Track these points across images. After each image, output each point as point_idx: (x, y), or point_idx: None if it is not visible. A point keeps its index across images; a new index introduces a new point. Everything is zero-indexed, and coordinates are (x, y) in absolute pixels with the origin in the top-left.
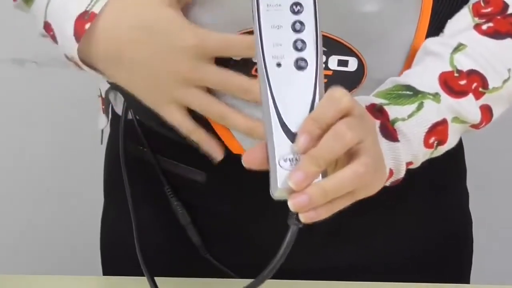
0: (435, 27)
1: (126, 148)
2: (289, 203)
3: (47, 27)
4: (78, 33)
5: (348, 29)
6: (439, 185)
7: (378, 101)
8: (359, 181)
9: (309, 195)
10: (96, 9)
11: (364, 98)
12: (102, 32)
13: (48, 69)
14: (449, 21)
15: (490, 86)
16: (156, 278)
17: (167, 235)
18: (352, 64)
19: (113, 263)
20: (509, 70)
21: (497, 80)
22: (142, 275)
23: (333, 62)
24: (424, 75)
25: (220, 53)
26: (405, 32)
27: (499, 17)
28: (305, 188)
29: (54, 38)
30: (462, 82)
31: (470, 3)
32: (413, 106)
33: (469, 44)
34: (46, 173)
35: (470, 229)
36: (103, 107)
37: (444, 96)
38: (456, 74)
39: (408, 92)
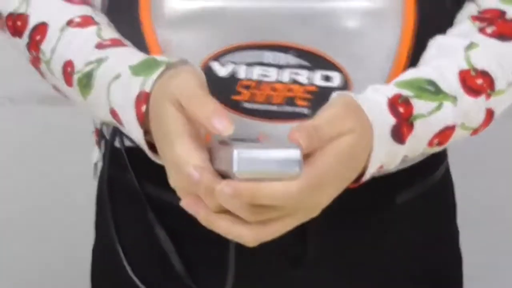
0: (419, 40)
1: (113, 175)
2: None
3: (113, 113)
4: (139, 117)
5: (331, 44)
6: (429, 221)
7: (403, 92)
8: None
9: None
10: (147, 88)
11: (386, 87)
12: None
13: (23, 106)
14: (449, 29)
15: (497, 89)
16: None
17: (152, 263)
18: (337, 80)
19: None
20: None
21: (503, 83)
22: None
23: (317, 78)
24: (444, 71)
25: None
26: (387, 47)
27: (500, 21)
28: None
29: (121, 123)
30: (479, 82)
31: (466, 15)
32: (434, 104)
33: (479, 44)
34: (28, 215)
35: (460, 266)
36: (97, 139)
37: (461, 98)
38: (473, 73)
39: (430, 88)
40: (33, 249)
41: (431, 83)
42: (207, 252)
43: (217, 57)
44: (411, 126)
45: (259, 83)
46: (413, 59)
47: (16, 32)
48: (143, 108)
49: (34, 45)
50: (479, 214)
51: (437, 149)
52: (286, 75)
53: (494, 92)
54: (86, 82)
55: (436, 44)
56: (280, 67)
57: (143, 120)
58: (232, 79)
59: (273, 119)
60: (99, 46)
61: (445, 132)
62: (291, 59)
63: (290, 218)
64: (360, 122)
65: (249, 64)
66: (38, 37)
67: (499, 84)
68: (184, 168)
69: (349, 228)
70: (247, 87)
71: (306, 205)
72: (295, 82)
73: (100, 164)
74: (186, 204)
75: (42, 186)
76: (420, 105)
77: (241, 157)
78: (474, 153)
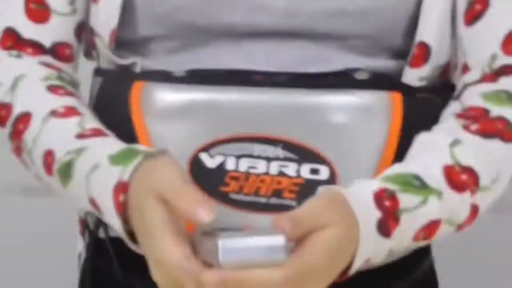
0: (406, 138)
1: (97, 265)
2: None
3: (93, 203)
4: (117, 207)
5: (320, 138)
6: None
7: (389, 186)
8: None
9: None
10: (125, 177)
11: (372, 182)
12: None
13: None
14: (434, 126)
15: (481, 185)
16: None
17: None
18: (324, 173)
19: None
20: (497, 171)
21: (487, 180)
22: None
23: (305, 171)
24: (429, 166)
25: None
26: (374, 143)
27: (484, 119)
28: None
29: (100, 212)
30: (464, 177)
31: (450, 113)
32: (419, 199)
33: (464, 141)
34: None
35: None
36: (81, 229)
37: (446, 193)
38: (457, 169)
39: (416, 183)
40: None
41: (417, 177)
42: None
43: (206, 149)
44: (397, 220)
45: (247, 175)
46: (400, 155)
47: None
48: (121, 198)
49: (16, 135)
50: None
51: (422, 243)
52: (274, 168)
53: (479, 189)
54: (66, 171)
55: (421, 140)
56: (268, 159)
57: (122, 210)
58: (221, 170)
59: (260, 211)
60: (80, 136)
61: (431, 227)
62: (279, 152)
63: None
64: (345, 215)
65: (238, 156)
66: (21, 127)
67: (483, 181)
68: (167, 264)
69: None
70: (236, 179)
71: None
72: (283, 174)
73: (84, 255)
74: None
75: (26, 278)
76: (405, 199)
77: (225, 246)
78: (460, 249)
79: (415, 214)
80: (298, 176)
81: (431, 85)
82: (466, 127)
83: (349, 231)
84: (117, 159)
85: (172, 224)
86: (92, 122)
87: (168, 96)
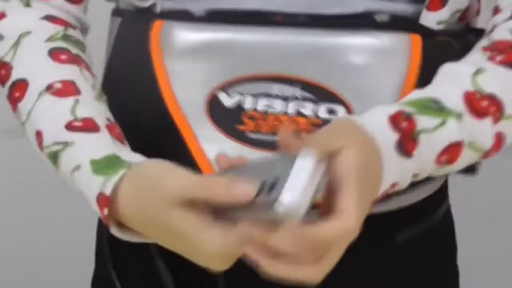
0: (424, 80)
1: None
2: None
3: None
4: (105, 219)
5: (337, 79)
6: (429, 262)
7: (406, 109)
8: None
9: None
10: (107, 191)
11: (388, 106)
12: (126, 218)
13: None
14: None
15: (506, 113)
16: None
17: None
18: (341, 113)
19: None
20: None
21: (511, 109)
22: None
23: (322, 111)
24: (449, 92)
25: None
26: (392, 85)
27: (509, 51)
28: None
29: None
30: (484, 103)
31: (478, 47)
32: (438, 120)
33: (487, 70)
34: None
35: None
36: None
37: (466, 116)
38: (478, 95)
39: (434, 106)
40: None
41: (435, 101)
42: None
43: (224, 88)
44: (414, 140)
45: (264, 114)
46: None
47: (0, 79)
48: (105, 211)
49: (13, 101)
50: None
51: (447, 169)
52: (291, 107)
53: (503, 117)
54: (54, 160)
55: (445, 70)
56: (286, 99)
57: (108, 221)
58: (238, 109)
59: (277, 149)
60: (69, 126)
61: (452, 149)
62: (297, 91)
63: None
64: (361, 138)
65: (256, 95)
66: (17, 94)
67: (508, 109)
68: (226, 254)
69: (348, 267)
70: (253, 118)
71: None
72: (300, 114)
73: None
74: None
75: (43, 220)
76: (423, 121)
77: (283, 202)
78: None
79: (433, 135)
80: (316, 116)
81: (450, 29)
82: (491, 58)
83: (369, 153)
84: (99, 167)
85: (205, 220)
86: (86, 106)
87: (188, 35)
